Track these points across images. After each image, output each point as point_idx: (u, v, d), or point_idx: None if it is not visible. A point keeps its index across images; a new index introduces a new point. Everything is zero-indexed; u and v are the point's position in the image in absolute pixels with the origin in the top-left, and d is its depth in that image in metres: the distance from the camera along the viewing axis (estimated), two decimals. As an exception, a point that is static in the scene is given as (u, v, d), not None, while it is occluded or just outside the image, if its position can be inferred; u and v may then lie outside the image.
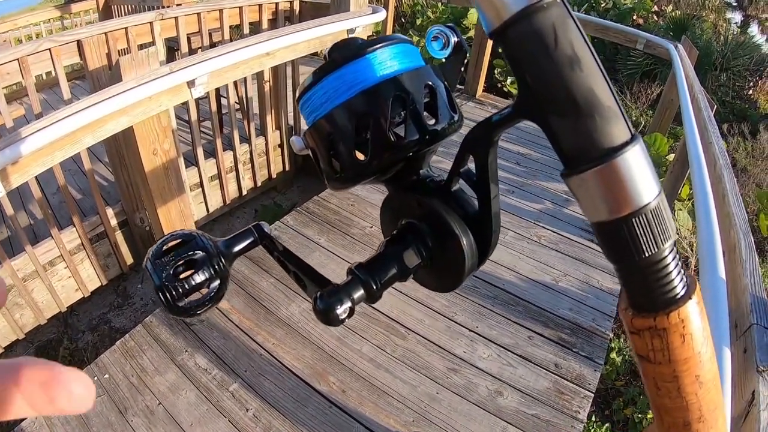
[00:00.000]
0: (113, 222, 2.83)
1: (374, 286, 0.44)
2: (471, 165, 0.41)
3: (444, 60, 0.46)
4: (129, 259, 3.01)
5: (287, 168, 3.90)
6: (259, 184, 3.68)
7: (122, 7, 4.17)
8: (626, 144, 0.28)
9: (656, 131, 4.26)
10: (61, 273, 2.64)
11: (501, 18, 0.28)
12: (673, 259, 0.30)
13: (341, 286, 0.43)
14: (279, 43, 2.34)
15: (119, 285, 3.09)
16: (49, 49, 2.28)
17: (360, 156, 0.43)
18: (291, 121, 3.75)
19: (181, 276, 0.42)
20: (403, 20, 6.44)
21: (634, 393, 2.67)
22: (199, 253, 0.44)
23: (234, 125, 3.18)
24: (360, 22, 2.78)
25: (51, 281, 2.57)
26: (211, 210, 3.38)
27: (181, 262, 0.43)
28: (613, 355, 2.84)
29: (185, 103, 2.84)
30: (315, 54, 6.01)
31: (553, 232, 3.11)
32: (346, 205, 3.19)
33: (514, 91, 5.35)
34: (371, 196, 3.27)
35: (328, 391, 2.04)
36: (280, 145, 3.74)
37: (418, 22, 6.17)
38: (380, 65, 0.42)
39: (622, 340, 2.88)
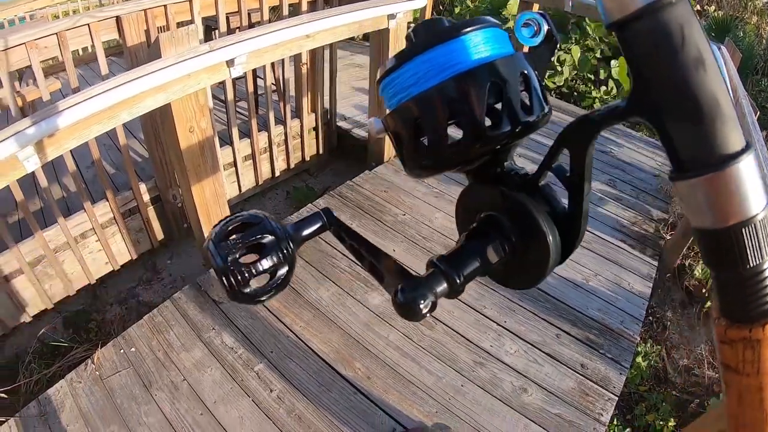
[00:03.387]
0: (146, 198, 2.86)
1: (457, 280, 0.42)
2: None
3: (532, 48, 0.44)
4: (160, 235, 3.05)
5: (321, 151, 3.90)
6: (292, 166, 3.69)
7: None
8: (742, 152, 0.27)
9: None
10: (92, 246, 2.68)
11: (625, 10, 0.27)
12: None
13: (424, 279, 0.42)
14: (319, 25, 2.32)
15: (149, 260, 3.13)
16: (88, 24, 2.30)
17: (447, 144, 0.41)
18: (327, 105, 3.75)
19: (248, 261, 0.41)
20: (441, 8, 6.35)
21: (657, 399, 2.61)
22: (268, 237, 0.42)
23: (270, 106, 3.19)
24: (401, 8, 2.75)
25: (82, 253, 2.61)
26: (243, 190, 3.40)
27: (248, 245, 0.42)
28: (639, 359, 2.79)
29: (222, 83, 2.85)
30: (352, 39, 6.01)
31: (587, 231, 3.04)
32: (380, 191, 3.17)
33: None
34: (406, 183, 3.25)
35: (353, 376, 2.03)
36: (315, 128, 3.73)
37: (457, 10, 6.08)
38: (475, 48, 0.40)
39: (649, 344, 2.82)
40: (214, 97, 3.36)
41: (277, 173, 3.60)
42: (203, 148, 2.17)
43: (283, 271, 0.43)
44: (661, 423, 2.51)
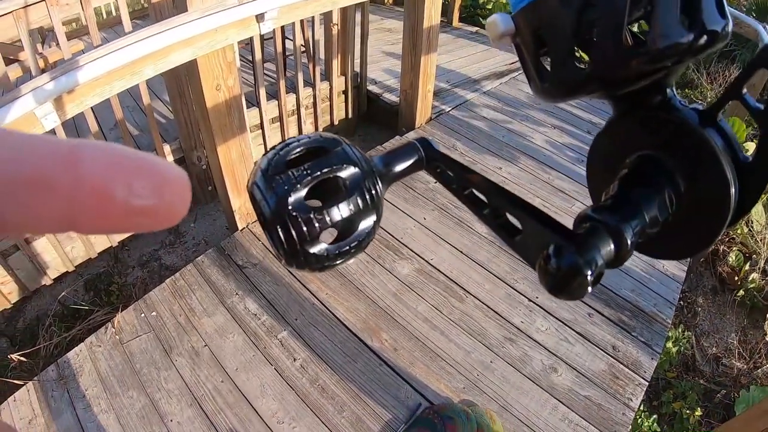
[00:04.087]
0: (170, 159, 2.80)
1: (627, 238, 0.30)
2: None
3: None
4: (183, 197, 3.01)
5: (350, 115, 3.82)
6: (320, 129, 3.60)
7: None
8: None
9: (734, 115, 3.98)
10: (114, 207, 2.64)
11: None
12: None
13: (586, 237, 0.30)
14: (353, -18, 2.23)
15: (172, 222, 3.09)
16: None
17: (628, 46, 0.31)
18: (357, 68, 3.66)
19: (319, 205, 0.27)
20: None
21: (685, 387, 2.54)
22: (351, 169, 0.28)
23: (299, 68, 3.11)
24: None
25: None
26: (270, 152, 3.33)
27: (319, 179, 0.27)
28: (669, 344, 2.71)
29: (249, 43, 2.76)
30: (382, 2, 5.89)
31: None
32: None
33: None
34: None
35: (379, 347, 1.98)
36: (345, 92, 3.65)
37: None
38: None
39: (679, 330, 2.74)
40: (241, 57, 3.29)
41: (306, 135, 3.52)
42: (230, 107, 2.10)
43: (369, 221, 0.29)
44: (687, 412, 2.45)
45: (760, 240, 3.16)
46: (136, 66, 1.74)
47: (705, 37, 0.30)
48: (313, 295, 2.17)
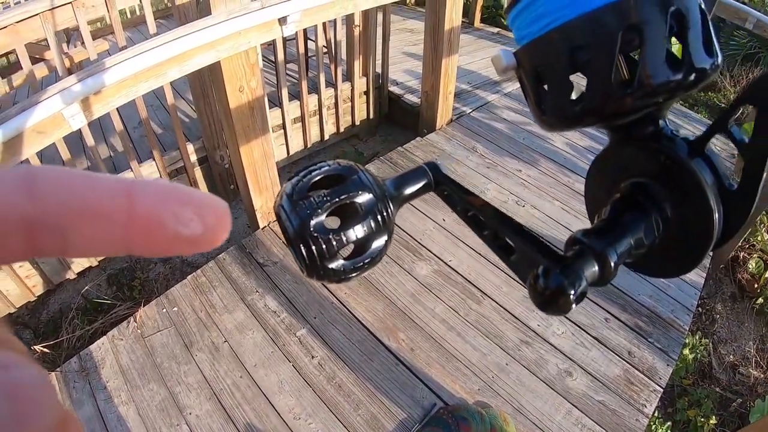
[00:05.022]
0: (193, 158, 2.86)
1: (611, 261, 0.33)
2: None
3: None
4: (205, 196, 3.06)
5: (371, 116, 3.83)
6: (341, 130, 3.64)
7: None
8: None
9: (751, 121, 3.93)
10: (138, 204, 2.69)
11: None
12: None
13: (572, 259, 0.33)
14: (376, -15, 2.25)
15: (194, 220, 3.13)
16: (135, -19, 2.27)
17: (615, 86, 0.33)
18: (378, 69, 3.67)
19: (338, 227, 0.31)
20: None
21: (701, 395, 2.52)
22: (365, 196, 0.32)
23: (320, 69, 3.14)
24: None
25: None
26: (291, 152, 3.38)
27: (337, 205, 0.31)
28: (686, 351, 2.69)
29: (271, 44, 2.80)
30: (404, 3, 5.90)
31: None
32: (431, 158, 3.10)
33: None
34: (457, 152, 3.18)
35: (396, 347, 2.00)
36: (366, 92, 3.67)
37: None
38: None
39: (697, 337, 2.72)
40: (264, 58, 3.33)
41: (327, 137, 3.56)
42: (252, 108, 2.13)
43: (381, 241, 0.33)
44: (702, 420, 2.43)
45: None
46: (161, 68, 1.78)
47: (693, 75, 0.32)
48: (332, 294, 2.20)
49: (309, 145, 3.48)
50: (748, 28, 4.12)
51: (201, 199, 0.16)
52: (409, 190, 0.38)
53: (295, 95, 3.21)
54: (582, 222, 2.75)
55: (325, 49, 3.26)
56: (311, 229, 0.30)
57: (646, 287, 2.38)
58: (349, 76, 3.47)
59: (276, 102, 3.12)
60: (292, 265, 2.32)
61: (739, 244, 2.97)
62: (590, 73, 0.34)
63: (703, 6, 0.33)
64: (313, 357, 1.97)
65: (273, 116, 3.05)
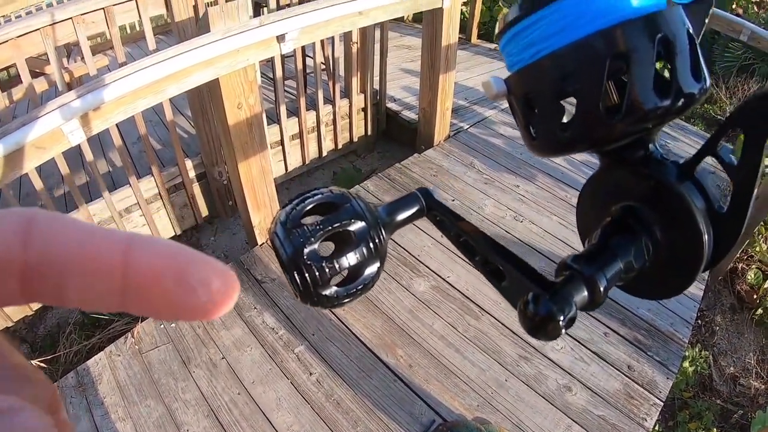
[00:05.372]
0: (191, 174, 2.86)
1: (600, 286, 0.34)
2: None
3: (686, 6, 0.36)
4: (204, 211, 3.06)
5: (369, 133, 3.85)
6: (339, 146, 3.65)
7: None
8: None
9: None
10: (136, 220, 2.70)
11: None
12: None
13: (562, 285, 0.33)
14: (373, 2, 2.26)
15: (193, 236, 3.14)
16: (136, -1, 2.29)
17: (601, 113, 0.33)
18: (376, 86, 3.69)
19: (330, 254, 0.32)
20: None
21: (701, 407, 2.51)
22: (358, 224, 0.32)
23: (319, 85, 3.16)
24: (454, -12, 2.67)
25: (126, 228, 2.62)
26: (289, 169, 3.39)
27: (331, 233, 0.32)
28: (686, 364, 2.68)
29: (270, 61, 2.82)
30: (401, 19, 5.93)
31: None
32: (429, 175, 3.12)
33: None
34: (455, 168, 3.20)
35: (394, 364, 2.00)
36: (364, 109, 3.69)
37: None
38: None
39: (697, 349, 2.71)
40: (262, 74, 3.35)
41: (324, 153, 3.57)
42: (251, 124, 2.15)
43: (374, 267, 0.33)
44: (702, 432, 2.42)
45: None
46: (160, 85, 1.80)
47: (682, 101, 0.32)
48: (330, 310, 2.20)
49: (307, 162, 3.49)
50: (742, 40, 4.16)
51: (207, 263, 0.15)
52: (401, 217, 0.38)
53: (294, 112, 3.23)
54: (578, 236, 2.74)
55: (323, 66, 3.29)
56: (305, 256, 0.30)
57: (644, 301, 2.38)
58: (347, 93, 3.49)
59: (274, 118, 3.13)
60: (290, 281, 2.32)
61: (738, 255, 2.97)
62: (579, 101, 0.34)
63: (691, 31, 0.33)
64: (311, 374, 1.97)
65: (271, 133, 3.06)
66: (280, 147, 3.24)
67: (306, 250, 0.30)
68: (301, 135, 3.29)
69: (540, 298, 0.33)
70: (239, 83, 2.06)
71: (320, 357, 2.02)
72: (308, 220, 0.33)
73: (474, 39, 5.42)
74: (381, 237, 0.34)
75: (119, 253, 0.14)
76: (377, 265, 0.34)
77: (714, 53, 5.68)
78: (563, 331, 0.32)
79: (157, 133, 3.48)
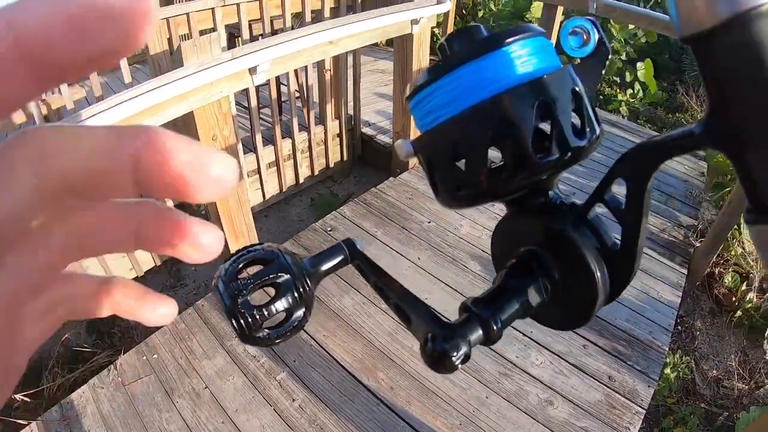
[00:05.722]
0: (170, 205, 2.86)
1: (494, 327, 0.37)
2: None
3: (581, 60, 0.39)
4: (184, 242, 3.06)
5: (345, 158, 3.88)
6: (316, 172, 3.68)
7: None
8: None
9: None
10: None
11: (704, 23, 0.23)
12: None
13: (458, 326, 0.37)
14: (343, 31, 2.31)
15: (173, 266, 3.14)
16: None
17: (487, 173, 0.37)
18: (351, 111, 3.73)
19: (260, 303, 0.37)
20: (464, 12, 6.28)
21: (686, 412, 2.55)
22: (284, 276, 0.38)
23: (293, 113, 3.19)
24: (424, 13, 2.72)
25: (106, 260, 2.63)
26: (267, 197, 3.40)
27: (260, 285, 0.38)
28: (668, 370, 2.72)
29: (245, 90, 2.85)
30: (375, 44, 5.97)
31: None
32: (405, 198, 3.15)
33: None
34: (430, 190, 3.18)
35: (376, 387, 2.01)
36: (339, 135, 3.72)
37: (480, 14, 6.04)
38: (520, 61, 0.35)
39: (677, 355, 2.75)
40: (237, 104, 3.38)
41: (301, 180, 3.59)
42: (226, 155, 2.17)
43: (300, 313, 0.39)
44: (689, 436, 2.46)
45: (752, 260, 3.19)
46: (135, 120, 1.81)
47: (569, 154, 0.35)
48: (311, 336, 2.22)
49: (284, 189, 3.50)
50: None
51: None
52: (325, 267, 0.42)
53: (270, 140, 3.25)
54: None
55: (297, 94, 3.32)
56: (239, 306, 0.35)
57: (622, 311, 2.42)
58: (322, 120, 3.52)
59: (250, 147, 3.15)
60: (271, 308, 2.34)
61: (714, 260, 3.03)
62: (467, 164, 0.37)
63: (577, 88, 0.36)
64: (293, 400, 1.98)
65: (248, 161, 3.09)
66: (257, 175, 3.25)
67: (240, 301, 0.35)
68: (277, 163, 3.31)
69: (436, 337, 0.36)
70: (213, 115, 2.09)
71: (302, 383, 2.03)
72: (249, 271, 0.38)
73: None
74: (305, 287, 0.38)
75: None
76: (303, 310, 0.38)
77: (683, 63, 5.82)
78: (458, 366, 0.35)
79: (135, 165, 3.47)
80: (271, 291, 0.39)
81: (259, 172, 3.23)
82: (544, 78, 0.35)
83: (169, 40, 2.70)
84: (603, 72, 0.40)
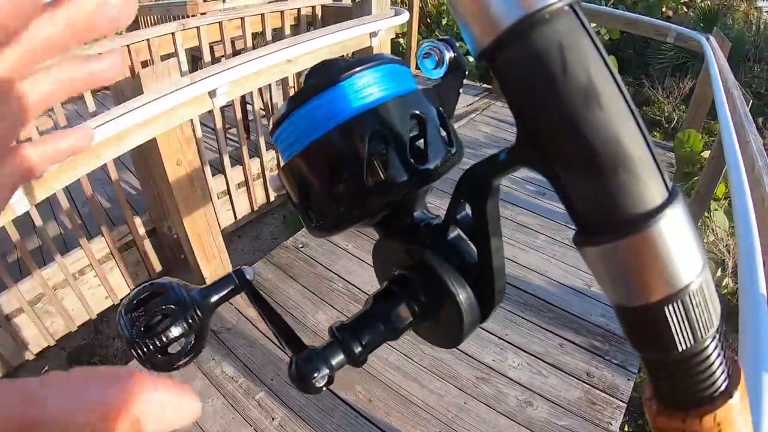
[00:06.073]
0: (141, 231, 2.86)
1: (357, 350, 0.38)
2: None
3: (440, 80, 0.40)
4: (158, 267, 3.04)
5: (315, 174, 3.85)
6: (287, 189, 3.64)
7: (147, 17, 4.22)
8: (662, 207, 0.21)
9: (690, 127, 4.12)
10: (91, 281, 2.68)
11: (490, 35, 0.21)
12: (714, 350, 0.23)
13: (319, 350, 0.39)
14: (300, 49, 2.33)
15: (147, 292, 3.11)
16: (71, 63, 2.31)
17: (334, 203, 0.38)
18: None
19: (154, 332, 0.39)
20: (428, 20, 6.36)
21: (669, 401, 2.57)
22: (172, 308, 0.40)
23: (260, 131, 3.18)
24: (382, 25, 2.75)
25: (81, 290, 2.61)
26: (239, 217, 3.39)
27: (152, 316, 0.40)
28: (648, 361, 2.75)
29: (210, 111, 2.86)
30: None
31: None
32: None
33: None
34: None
35: (354, 400, 2.01)
36: (308, 151, 3.69)
37: (444, 22, 6.11)
38: (357, 94, 0.36)
39: (656, 345, 2.79)
40: (204, 124, 3.38)
41: (272, 198, 3.57)
42: (192, 179, 2.18)
43: (191, 339, 0.41)
44: (674, 426, 2.47)
45: (724, 247, 3.24)
46: (99, 149, 1.82)
47: (417, 177, 0.37)
48: (287, 354, 2.21)
49: (256, 209, 3.49)
50: (670, 42, 4.37)
51: None
52: (215, 297, 0.43)
53: (238, 160, 3.24)
54: (525, 253, 2.84)
55: (263, 112, 3.32)
56: (134, 336, 0.38)
57: (597, 307, 2.44)
58: (289, 136, 3.50)
59: (219, 168, 3.14)
60: (246, 330, 2.33)
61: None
62: (314, 198, 0.39)
63: (419, 111, 0.37)
64: (273, 419, 1.97)
65: (217, 182, 3.08)
66: (228, 196, 3.24)
67: (134, 332, 0.38)
68: (247, 182, 3.30)
69: (298, 361, 0.38)
70: (176, 140, 2.09)
71: (281, 401, 2.03)
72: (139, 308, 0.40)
73: (414, 69, 5.53)
74: (195, 316, 0.40)
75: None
76: (193, 337, 0.40)
77: (648, 57, 5.93)
78: (317, 385, 0.37)
79: (106, 192, 3.46)
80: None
81: (229, 192, 3.22)
82: (379, 108, 0.36)
83: (131, 67, 2.70)
84: (460, 90, 0.41)
